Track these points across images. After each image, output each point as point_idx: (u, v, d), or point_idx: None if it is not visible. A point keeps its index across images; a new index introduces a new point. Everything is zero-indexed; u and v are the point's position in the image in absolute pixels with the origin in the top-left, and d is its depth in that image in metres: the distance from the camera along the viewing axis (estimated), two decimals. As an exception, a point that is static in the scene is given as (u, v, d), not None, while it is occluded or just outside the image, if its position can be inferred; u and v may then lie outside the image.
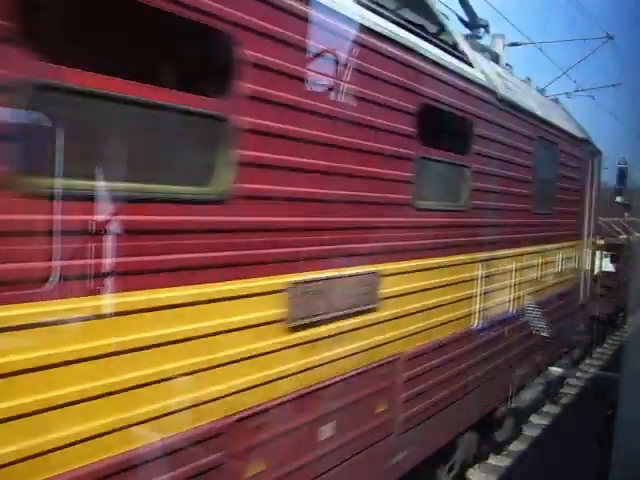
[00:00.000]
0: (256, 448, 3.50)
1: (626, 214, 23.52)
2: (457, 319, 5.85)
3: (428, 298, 5.26)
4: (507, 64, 8.39)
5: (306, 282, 3.81)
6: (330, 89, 3.98)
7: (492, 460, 7.89)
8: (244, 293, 3.36)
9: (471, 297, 6.10)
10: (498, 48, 8.55)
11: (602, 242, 13.93)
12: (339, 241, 4.12)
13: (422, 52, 4.97)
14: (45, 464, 2.48)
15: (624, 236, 18.56)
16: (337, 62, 4.01)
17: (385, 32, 4.47)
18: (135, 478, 2.82)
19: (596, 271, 12.62)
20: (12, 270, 2.36)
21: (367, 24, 4.26)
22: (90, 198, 2.60)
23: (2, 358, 2.34)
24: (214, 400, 3.22)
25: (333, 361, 4.12)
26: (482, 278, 6.24)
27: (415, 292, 5.05)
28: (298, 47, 3.64)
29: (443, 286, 5.51)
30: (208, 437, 3.20)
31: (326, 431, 4.10)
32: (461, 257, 5.84)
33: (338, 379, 4.18)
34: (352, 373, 4.32)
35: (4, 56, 2.29)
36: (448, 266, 5.60)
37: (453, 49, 5.74)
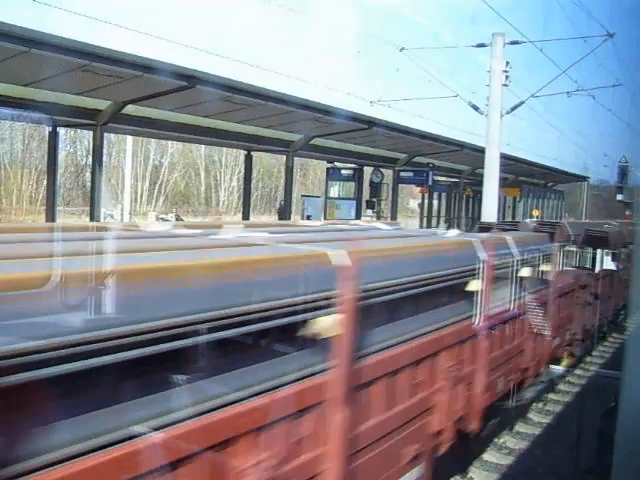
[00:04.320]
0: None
1: (627, 212, 23.54)
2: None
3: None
4: (507, 62, 8.40)
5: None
6: None
7: (494, 458, 7.89)
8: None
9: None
10: (498, 46, 8.57)
11: None
12: None
13: None
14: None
15: None
16: None
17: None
18: None
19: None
20: None
21: None
22: None
23: None
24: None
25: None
26: None
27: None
28: None
29: None
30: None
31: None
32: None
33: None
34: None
35: None
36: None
37: None
